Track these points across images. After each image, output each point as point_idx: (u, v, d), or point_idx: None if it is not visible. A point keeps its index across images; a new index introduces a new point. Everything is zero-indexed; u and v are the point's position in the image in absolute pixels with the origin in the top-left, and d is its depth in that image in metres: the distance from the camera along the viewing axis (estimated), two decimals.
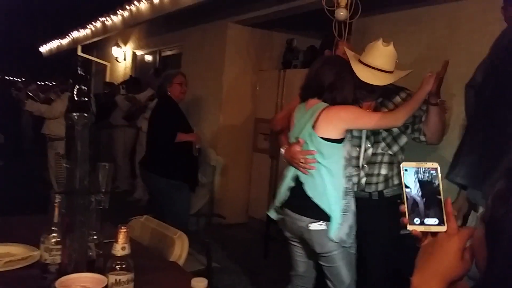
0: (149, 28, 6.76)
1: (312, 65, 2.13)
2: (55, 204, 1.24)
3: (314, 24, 3.91)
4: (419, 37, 3.42)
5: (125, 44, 7.72)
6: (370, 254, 2.06)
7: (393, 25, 3.62)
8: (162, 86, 3.54)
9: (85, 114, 1.07)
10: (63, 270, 1.12)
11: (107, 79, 8.24)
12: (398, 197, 2.13)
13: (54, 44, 10.50)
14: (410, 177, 0.81)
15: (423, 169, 0.81)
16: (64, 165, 1.09)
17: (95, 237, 1.24)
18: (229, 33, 5.02)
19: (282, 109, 2.46)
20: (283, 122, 2.26)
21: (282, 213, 2.10)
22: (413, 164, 0.82)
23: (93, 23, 7.70)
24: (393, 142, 2.11)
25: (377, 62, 1.99)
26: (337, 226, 1.89)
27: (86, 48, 8.77)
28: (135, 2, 5.98)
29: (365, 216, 2.00)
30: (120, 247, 1.12)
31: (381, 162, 2.09)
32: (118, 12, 6.60)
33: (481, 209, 1.54)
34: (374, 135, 2.10)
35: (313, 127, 1.93)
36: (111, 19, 6.96)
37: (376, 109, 2.12)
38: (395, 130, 2.08)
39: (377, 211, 2.06)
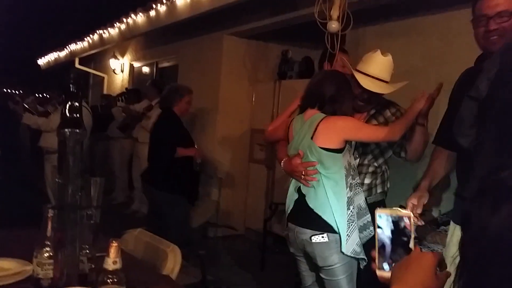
0: (146, 40, 6.82)
1: (313, 76, 2.17)
2: (48, 219, 1.25)
3: (308, 36, 3.96)
4: (412, 47, 3.46)
5: (122, 56, 7.78)
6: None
7: (386, 36, 3.67)
8: (168, 99, 3.51)
9: (77, 130, 1.09)
10: (55, 284, 1.12)
11: (105, 91, 8.28)
12: (380, 203, 2.18)
13: (52, 56, 10.56)
14: (383, 223, 0.83)
15: (397, 217, 0.83)
16: (56, 180, 1.10)
17: (87, 251, 1.25)
18: (225, 45, 5.07)
19: (273, 121, 2.47)
20: (278, 133, 2.26)
21: (286, 229, 2.10)
22: (387, 211, 0.84)
23: (90, 35, 7.76)
24: (379, 155, 2.15)
25: (375, 71, 2.03)
26: (346, 238, 1.88)
27: (84, 60, 8.83)
28: (132, 15, 6.04)
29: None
30: (112, 261, 1.12)
31: (365, 173, 2.13)
32: (115, 24, 6.66)
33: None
34: (362, 147, 2.13)
35: (312, 137, 1.94)
36: (108, 32, 7.02)
37: (367, 121, 2.15)
38: (383, 143, 2.11)
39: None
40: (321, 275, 2.00)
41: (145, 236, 1.79)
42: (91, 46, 7.93)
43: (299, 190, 2.01)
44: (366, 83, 2.01)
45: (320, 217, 1.91)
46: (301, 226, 1.97)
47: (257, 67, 5.19)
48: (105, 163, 6.61)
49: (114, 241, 1.13)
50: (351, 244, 1.89)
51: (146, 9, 5.65)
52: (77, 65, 8.77)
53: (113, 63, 7.74)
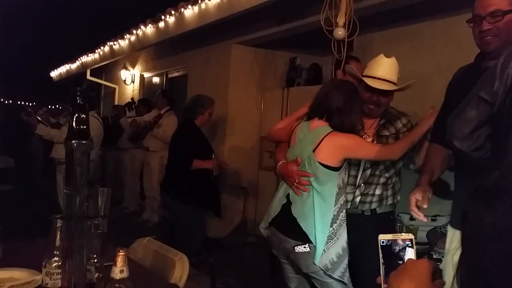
0: (156, 51, 6.90)
1: (323, 86, 2.17)
2: (57, 229, 1.27)
3: (316, 43, 3.97)
4: (420, 52, 3.45)
5: (133, 67, 7.88)
6: (362, 268, 2.06)
7: (393, 41, 3.67)
8: (190, 110, 3.56)
9: (84, 142, 1.11)
10: None
11: (116, 102, 8.39)
12: (390, 214, 2.18)
13: (64, 68, 10.75)
14: (386, 248, 0.86)
15: (399, 240, 0.87)
16: (64, 190, 1.12)
17: (95, 260, 1.26)
18: (233, 54, 5.11)
19: (280, 121, 2.46)
20: (281, 134, 2.26)
21: (269, 231, 2.13)
22: (389, 236, 0.87)
23: (101, 47, 7.89)
24: (391, 166, 2.14)
25: (381, 73, 2.05)
26: (321, 252, 1.92)
27: (95, 72, 8.96)
28: (142, 27, 6.13)
29: (356, 232, 2.03)
30: (119, 270, 1.14)
31: (377, 184, 2.12)
32: (125, 36, 6.77)
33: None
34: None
35: (314, 150, 1.95)
36: (119, 43, 7.13)
37: (377, 131, 2.15)
38: None
39: (368, 227, 2.08)
40: (312, 279, 2.06)
41: (154, 244, 1.80)
42: (102, 57, 8.06)
43: (287, 196, 2.04)
44: (374, 83, 2.03)
45: (301, 227, 1.94)
46: (284, 235, 2.00)
47: (265, 75, 5.22)
48: (117, 173, 6.68)
49: (121, 250, 1.15)
50: (324, 258, 1.93)
51: (155, 20, 5.74)
52: (88, 77, 8.91)
53: (124, 74, 7.85)
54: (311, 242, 1.93)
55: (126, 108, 6.66)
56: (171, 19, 5.39)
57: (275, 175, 4.81)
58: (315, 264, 1.92)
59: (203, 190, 3.46)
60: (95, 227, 1.21)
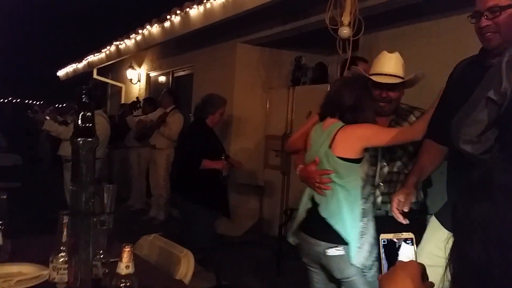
0: (162, 50, 6.94)
1: (333, 84, 2.16)
2: (63, 225, 1.29)
3: (321, 42, 3.97)
4: (426, 51, 3.43)
5: (139, 66, 7.92)
6: None
7: (399, 39, 3.65)
8: (201, 110, 3.53)
9: (89, 139, 1.13)
10: None
11: (122, 101, 8.44)
12: (414, 213, 2.11)
13: (70, 68, 10.82)
14: (387, 247, 0.89)
15: (400, 239, 0.90)
16: (70, 187, 1.14)
17: (101, 256, 1.29)
18: (239, 53, 5.12)
19: (298, 130, 2.44)
20: (298, 143, 2.23)
21: (299, 238, 2.05)
22: (391, 235, 0.91)
23: (107, 47, 7.93)
24: (409, 162, 2.07)
25: (388, 69, 2.04)
26: (356, 250, 1.84)
27: (102, 71, 9.02)
28: (148, 26, 6.16)
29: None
30: (124, 266, 1.16)
31: (397, 181, 2.06)
32: (131, 36, 6.80)
33: None
34: (389, 154, 2.07)
35: (330, 146, 1.91)
36: (125, 43, 7.17)
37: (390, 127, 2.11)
38: (410, 148, 2.06)
39: (394, 228, 2.03)
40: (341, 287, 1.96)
41: (159, 241, 1.82)
42: (109, 57, 8.11)
43: (312, 199, 1.97)
44: (380, 79, 2.02)
45: (332, 227, 1.86)
46: (315, 238, 1.92)
47: (271, 74, 5.23)
48: (123, 171, 6.72)
49: (127, 246, 1.16)
50: (361, 256, 1.85)
51: (161, 20, 5.76)
52: (95, 76, 8.97)
53: (130, 73, 7.89)
54: (345, 243, 1.85)
55: (131, 107, 6.70)
56: (176, 19, 5.41)
57: (281, 174, 4.85)
58: (352, 265, 1.84)
59: (212, 190, 3.44)
60: (101, 223, 1.23)
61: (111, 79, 9.11)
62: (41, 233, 1.85)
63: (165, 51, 6.83)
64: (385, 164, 2.07)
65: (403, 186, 1.78)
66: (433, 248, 1.51)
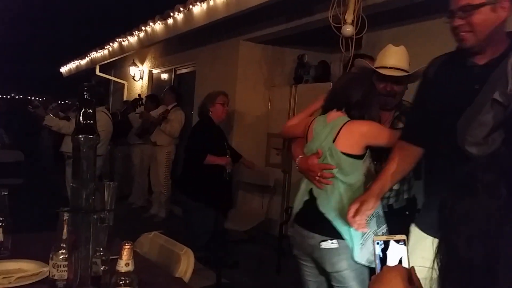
0: (165, 47, 6.93)
1: (340, 79, 2.12)
2: (63, 222, 1.29)
3: (324, 40, 3.96)
4: (429, 50, 3.40)
5: (142, 63, 7.92)
6: None
7: (402, 38, 3.62)
8: (203, 106, 3.61)
9: (90, 136, 1.12)
10: (70, 285, 1.16)
11: (125, 98, 8.45)
12: (405, 209, 2.11)
13: (73, 64, 10.83)
14: (380, 249, 0.92)
15: (393, 241, 0.93)
16: (71, 184, 1.14)
17: (101, 253, 1.28)
18: (241, 50, 5.12)
19: (293, 117, 2.40)
20: (296, 130, 2.19)
21: (292, 230, 2.03)
22: (384, 237, 0.94)
23: (110, 43, 7.94)
24: None
25: (393, 61, 2.02)
26: (359, 247, 1.81)
27: (104, 68, 9.03)
28: (151, 23, 6.16)
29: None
30: (124, 263, 1.15)
31: None
32: (134, 33, 6.80)
33: None
34: (376, 151, 2.03)
35: (334, 141, 1.88)
36: (128, 40, 7.17)
37: (392, 124, 2.09)
38: None
39: (396, 223, 1.99)
40: (332, 282, 1.93)
41: (160, 239, 1.82)
42: (111, 54, 8.11)
43: (310, 192, 1.95)
44: (386, 71, 2.01)
45: (330, 222, 1.84)
46: (310, 230, 1.90)
47: (273, 72, 5.22)
48: (126, 168, 6.73)
49: (127, 244, 1.16)
50: (365, 253, 1.82)
51: (164, 17, 5.76)
52: (98, 73, 8.98)
53: (133, 70, 7.89)
54: (341, 238, 1.82)
55: (134, 104, 6.70)
56: (179, 16, 5.40)
57: (282, 172, 4.84)
58: (354, 260, 1.82)
59: (214, 187, 3.45)
60: (101, 220, 1.23)
61: (114, 76, 9.12)
62: (42, 229, 1.85)
63: (168, 48, 6.83)
64: (374, 162, 2.03)
65: (365, 191, 1.69)
66: (419, 260, 1.49)
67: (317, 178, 1.89)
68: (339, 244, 1.83)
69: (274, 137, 4.90)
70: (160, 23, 5.93)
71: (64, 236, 1.29)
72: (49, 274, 1.28)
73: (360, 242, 1.82)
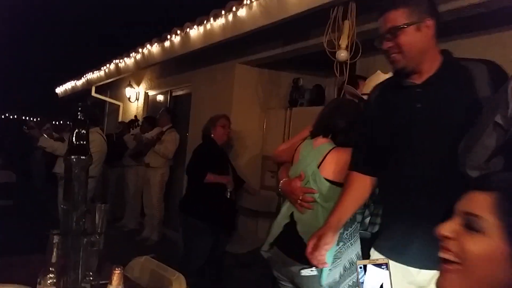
0: (161, 69, 6.98)
1: (326, 105, 2.15)
2: (53, 245, 1.26)
3: (319, 64, 4.01)
4: None
5: (138, 84, 7.95)
6: None
7: None
8: (206, 129, 3.76)
9: (83, 157, 1.11)
10: None
11: (120, 119, 8.44)
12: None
13: (69, 85, 10.85)
14: (364, 273, 0.96)
15: (376, 264, 0.97)
16: (61, 206, 1.12)
17: (91, 278, 1.25)
18: (237, 73, 5.16)
19: (284, 143, 2.45)
20: (284, 155, 2.24)
21: (272, 252, 2.03)
22: (367, 261, 0.98)
23: (107, 65, 7.98)
24: None
25: None
26: (327, 272, 1.84)
27: (100, 89, 9.04)
28: (147, 45, 6.21)
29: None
30: None
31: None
32: (131, 54, 6.85)
33: None
34: None
35: (319, 166, 1.91)
36: (124, 61, 7.21)
37: None
38: None
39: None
40: None
41: (151, 263, 1.78)
42: (108, 75, 8.14)
43: (291, 216, 1.96)
44: None
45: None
46: (290, 257, 1.91)
47: (269, 95, 5.25)
48: (119, 190, 6.67)
49: (117, 268, 1.13)
50: (330, 277, 1.84)
51: (161, 39, 5.81)
52: (93, 93, 8.98)
53: (129, 92, 7.91)
54: None
55: (129, 126, 6.69)
56: (176, 39, 5.46)
57: (277, 195, 4.81)
58: (321, 286, 1.83)
59: (217, 206, 3.48)
60: (92, 244, 1.20)
61: (109, 97, 9.12)
62: (30, 252, 1.81)
63: (164, 70, 6.87)
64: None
65: (324, 225, 1.64)
66: None
67: (298, 201, 1.92)
68: (317, 271, 1.84)
69: (269, 159, 4.88)
70: (157, 46, 5.98)
71: (54, 259, 1.25)
72: None
73: (329, 268, 1.83)
